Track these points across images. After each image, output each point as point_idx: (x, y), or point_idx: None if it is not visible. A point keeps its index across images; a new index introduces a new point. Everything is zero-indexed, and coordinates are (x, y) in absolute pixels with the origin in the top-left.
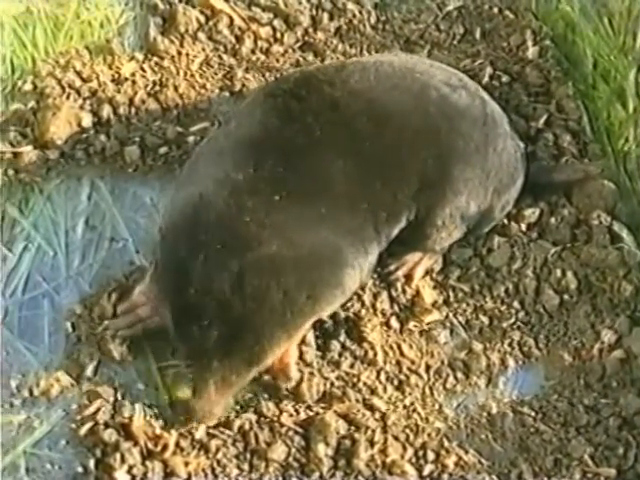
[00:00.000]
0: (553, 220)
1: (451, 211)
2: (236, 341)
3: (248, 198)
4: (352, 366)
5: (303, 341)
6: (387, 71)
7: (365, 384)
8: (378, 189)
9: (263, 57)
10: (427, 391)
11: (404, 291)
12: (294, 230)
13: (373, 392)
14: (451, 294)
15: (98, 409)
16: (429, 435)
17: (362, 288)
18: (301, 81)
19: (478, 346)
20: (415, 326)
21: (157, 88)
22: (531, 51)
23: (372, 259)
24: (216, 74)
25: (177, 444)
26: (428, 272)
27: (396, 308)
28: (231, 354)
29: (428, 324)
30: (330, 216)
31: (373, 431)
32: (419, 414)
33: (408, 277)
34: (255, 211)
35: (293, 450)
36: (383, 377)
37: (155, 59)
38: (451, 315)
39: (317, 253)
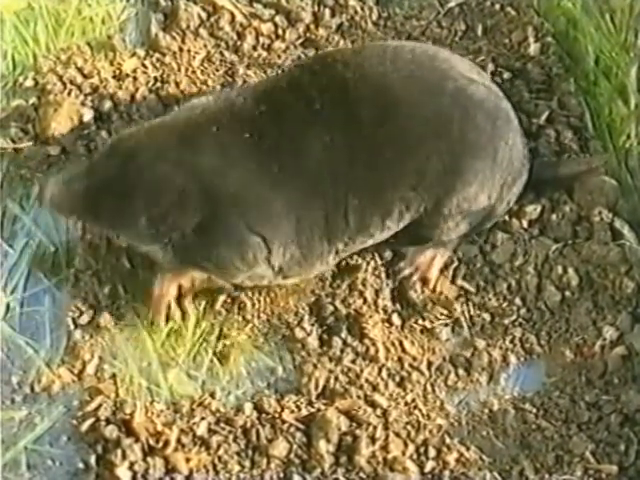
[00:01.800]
0: (554, 217)
1: (458, 201)
2: (106, 193)
3: (225, 117)
4: (354, 362)
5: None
6: (406, 58)
7: (367, 380)
8: (359, 175)
9: (265, 53)
10: (429, 388)
11: (423, 291)
12: (238, 170)
13: (375, 388)
14: (456, 291)
15: (99, 405)
16: (430, 432)
17: (363, 284)
18: (319, 58)
19: (480, 343)
20: (417, 322)
21: (158, 84)
22: (533, 48)
23: (310, 246)
24: (217, 70)
25: (178, 440)
26: (442, 271)
27: (398, 306)
28: (95, 197)
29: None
30: (282, 183)
31: (374, 427)
32: (420, 411)
33: (425, 280)
34: (223, 130)
35: (294, 446)
36: (385, 374)
37: (156, 55)
38: (454, 312)
39: (234, 195)
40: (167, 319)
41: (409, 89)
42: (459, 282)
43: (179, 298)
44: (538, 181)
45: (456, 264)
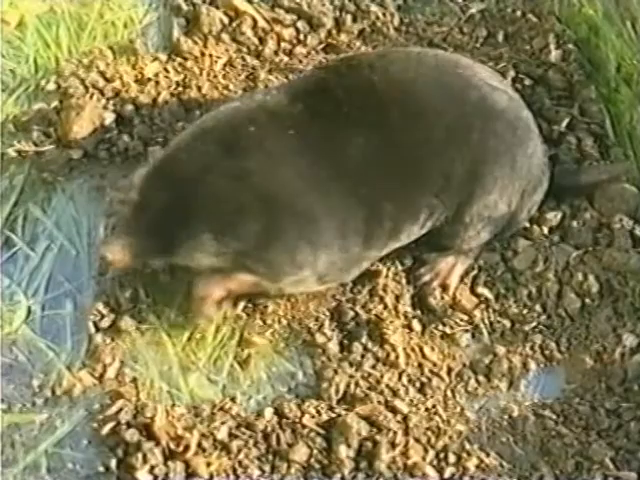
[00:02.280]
0: (575, 223)
1: (479, 209)
2: (169, 223)
3: (262, 116)
4: (374, 368)
5: (323, 334)
6: (430, 64)
7: (387, 386)
8: (393, 179)
9: (286, 58)
10: (449, 394)
11: (442, 298)
12: (285, 170)
13: (395, 394)
14: (477, 298)
15: (120, 409)
16: (450, 437)
17: (384, 290)
18: (345, 60)
19: (500, 349)
20: (437, 328)
21: (180, 89)
22: (554, 54)
23: (353, 251)
24: (239, 75)
25: (199, 444)
26: (463, 278)
27: (418, 312)
28: (157, 232)
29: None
30: (323, 185)
31: (395, 433)
32: (441, 416)
33: (444, 286)
34: (263, 130)
35: (315, 451)
36: (405, 379)
37: (178, 60)
38: (474, 319)
39: (288, 202)
40: (209, 320)
41: (434, 95)
42: (479, 289)
43: (222, 300)
44: (559, 188)
45: (476, 271)
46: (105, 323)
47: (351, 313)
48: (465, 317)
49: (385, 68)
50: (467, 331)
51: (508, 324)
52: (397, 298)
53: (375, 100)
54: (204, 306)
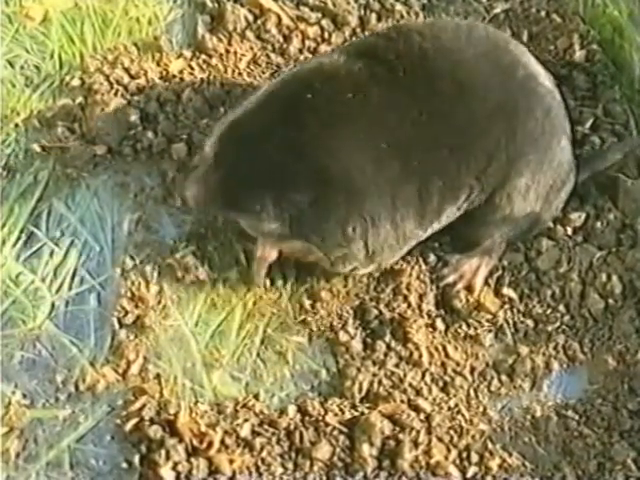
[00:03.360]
0: (599, 224)
1: (510, 191)
2: (238, 183)
3: (318, 82)
4: (397, 366)
5: (347, 332)
6: (480, 35)
7: (410, 385)
8: (444, 154)
9: (311, 56)
10: (472, 393)
11: (467, 300)
12: (343, 138)
13: (418, 393)
14: (501, 299)
15: (144, 405)
16: (473, 437)
17: (408, 289)
18: (393, 27)
19: (523, 349)
20: (461, 328)
21: (204, 86)
22: (578, 55)
23: (403, 226)
24: (264, 73)
25: (222, 442)
26: (487, 279)
27: (442, 311)
28: (230, 188)
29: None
30: (381, 154)
31: (418, 432)
32: (463, 416)
33: (469, 288)
34: (319, 97)
35: (337, 450)
36: (428, 378)
37: (203, 57)
38: (498, 319)
39: (340, 173)
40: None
41: (484, 68)
42: (504, 290)
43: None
44: (583, 183)
45: (500, 272)
46: (129, 319)
47: (375, 311)
48: (489, 317)
49: (436, 36)
50: (490, 331)
51: (531, 324)
52: (421, 297)
53: (426, 68)
54: (261, 266)
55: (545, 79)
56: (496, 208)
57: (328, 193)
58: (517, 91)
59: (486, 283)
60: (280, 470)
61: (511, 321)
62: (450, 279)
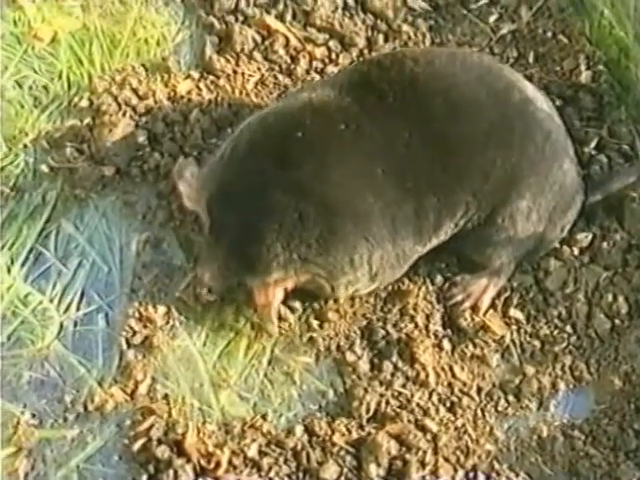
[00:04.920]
0: (605, 245)
1: (512, 212)
2: (244, 243)
3: (308, 118)
4: (404, 387)
5: (354, 352)
6: (474, 62)
7: (417, 405)
8: (437, 172)
9: (318, 77)
10: (478, 413)
11: (473, 319)
12: (340, 170)
13: (425, 413)
14: (508, 320)
15: (151, 425)
16: (480, 457)
17: (414, 309)
18: (388, 55)
19: (530, 370)
20: (467, 348)
21: (212, 106)
22: (584, 75)
23: (403, 245)
24: (271, 93)
25: (230, 462)
26: (494, 300)
27: (448, 331)
28: (239, 254)
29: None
30: (377, 181)
31: (424, 452)
32: (470, 436)
33: (475, 308)
34: (311, 133)
35: (345, 470)
36: (435, 398)
37: (211, 78)
38: (504, 339)
39: (345, 203)
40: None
41: (477, 91)
42: (511, 311)
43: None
44: (590, 207)
45: (508, 292)
46: (137, 339)
47: (382, 332)
48: (495, 338)
49: (429, 62)
50: (497, 351)
51: (538, 345)
52: (427, 317)
53: (419, 92)
54: (271, 312)
55: (543, 103)
56: (499, 228)
57: (336, 223)
58: (513, 113)
59: (493, 304)
60: None
61: (518, 342)
62: (458, 298)
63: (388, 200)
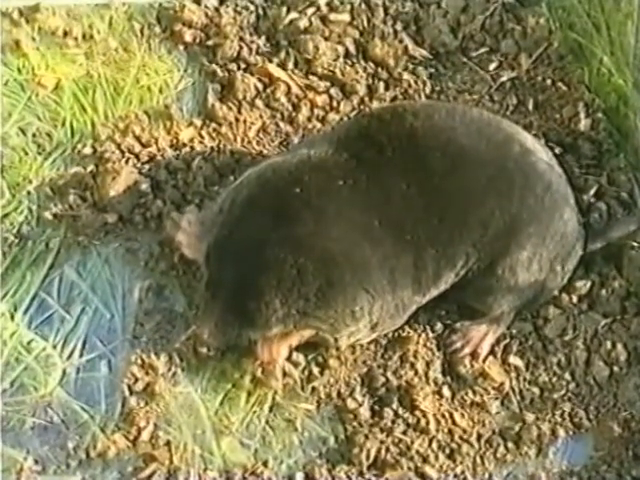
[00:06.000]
0: (604, 292)
1: (512, 263)
2: (242, 298)
3: (306, 174)
4: (404, 433)
5: (354, 399)
6: (474, 116)
7: (417, 452)
8: (434, 224)
9: (319, 125)
10: (478, 460)
11: (472, 366)
12: (338, 224)
13: (425, 460)
14: (508, 367)
15: (153, 472)
16: None
17: (414, 356)
18: (389, 108)
19: (529, 416)
20: (467, 395)
21: (214, 154)
22: (583, 123)
23: (402, 295)
24: (273, 141)
25: None
26: (494, 347)
27: (448, 378)
28: (236, 309)
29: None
30: (375, 233)
31: None
32: None
33: (475, 354)
34: (309, 189)
35: None
36: (435, 445)
37: (213, 125)
38: (504, 387)
39: (344, 256)
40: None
41: (477, 143)
42: (511, 359)
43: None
44: (590, 255)
45: (508, 340)
46: (139, 386)
47: (382, 379)
48: (495, 385)
49: (429, 115)
50: (497, 399)
51: (537, 392)
52: (427, 364)
53: (417, 145)
54: (275, 369)
55: (542, 154)
56: (500, 279)
57: (335, 276)
58: (513, 165)
59: (492, 352)
60: None
61: (517, 389)
62: (457, 345)
63: (386, 252)
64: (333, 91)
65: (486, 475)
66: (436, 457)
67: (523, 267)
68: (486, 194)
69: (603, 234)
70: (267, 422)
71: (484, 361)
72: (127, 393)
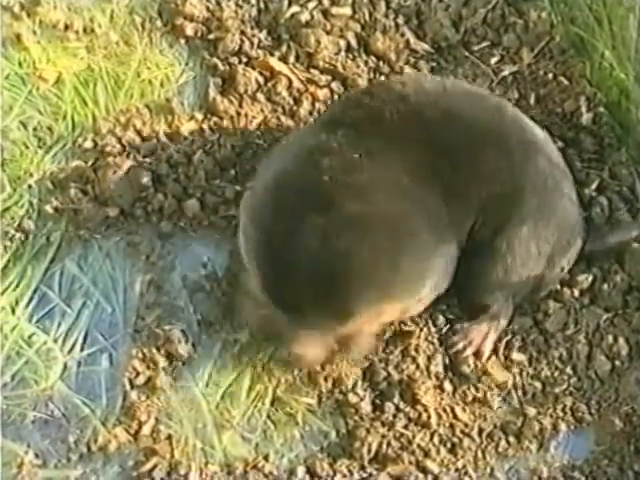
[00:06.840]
0: (605, 286)
1: (510, 237)
2: (326, 298)
3: (324, 158)
4: (406, 428)
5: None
6: (463, 85)
7: (418, 446)
8: (450, 175)
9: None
10: (479, 454)
11: (476, 365)
12: (375, 192)
13: (426, 454)
14: (510, 364)
15: (155, 466)
16: None
17: (416, 350)
18: (373, 83)
19: (531, 411)
20: (469, 390)
21: (215, 148)
22: (585, 117)
23: (450, 250)
24: (274, 135)
25: None
26: (496, 345)
27: (450, 373)
28: (323, 309)
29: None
30: (410, 191)
31: None
32: (471, 477)
33: (477, 354)
34: (334, 171)
35: None
36: (436, 439)
37: (214, 119)
38: (507, 383)
39: (401, 219)
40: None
41: (469, 105)
42: (513, 355)
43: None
44: (590, 251)
45: (509, 336)
46: (140, 380)
47: (383, 373)
48: (498, 384)
49: (417, 82)
50: (499, 394)
51: (539, 386)
52: (429, 359)
53: (411, 104)
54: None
55: (539, 130)
56: (495, 253)
57: (402, 241)
58: (509, 124)
59: (495, 350)
60: None
61: (519, 384)
62: (460, 346)
63: (426, 206)
64: (334, 85)
65: (487, 469)
66: (437, 451)
67: (521, 244)
68: (486, 150)
69: (603, 238)
70: (268, 416)
71: (487, 360)
72: (128, 387)
